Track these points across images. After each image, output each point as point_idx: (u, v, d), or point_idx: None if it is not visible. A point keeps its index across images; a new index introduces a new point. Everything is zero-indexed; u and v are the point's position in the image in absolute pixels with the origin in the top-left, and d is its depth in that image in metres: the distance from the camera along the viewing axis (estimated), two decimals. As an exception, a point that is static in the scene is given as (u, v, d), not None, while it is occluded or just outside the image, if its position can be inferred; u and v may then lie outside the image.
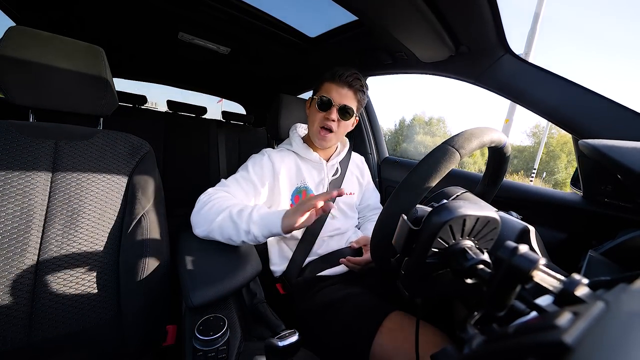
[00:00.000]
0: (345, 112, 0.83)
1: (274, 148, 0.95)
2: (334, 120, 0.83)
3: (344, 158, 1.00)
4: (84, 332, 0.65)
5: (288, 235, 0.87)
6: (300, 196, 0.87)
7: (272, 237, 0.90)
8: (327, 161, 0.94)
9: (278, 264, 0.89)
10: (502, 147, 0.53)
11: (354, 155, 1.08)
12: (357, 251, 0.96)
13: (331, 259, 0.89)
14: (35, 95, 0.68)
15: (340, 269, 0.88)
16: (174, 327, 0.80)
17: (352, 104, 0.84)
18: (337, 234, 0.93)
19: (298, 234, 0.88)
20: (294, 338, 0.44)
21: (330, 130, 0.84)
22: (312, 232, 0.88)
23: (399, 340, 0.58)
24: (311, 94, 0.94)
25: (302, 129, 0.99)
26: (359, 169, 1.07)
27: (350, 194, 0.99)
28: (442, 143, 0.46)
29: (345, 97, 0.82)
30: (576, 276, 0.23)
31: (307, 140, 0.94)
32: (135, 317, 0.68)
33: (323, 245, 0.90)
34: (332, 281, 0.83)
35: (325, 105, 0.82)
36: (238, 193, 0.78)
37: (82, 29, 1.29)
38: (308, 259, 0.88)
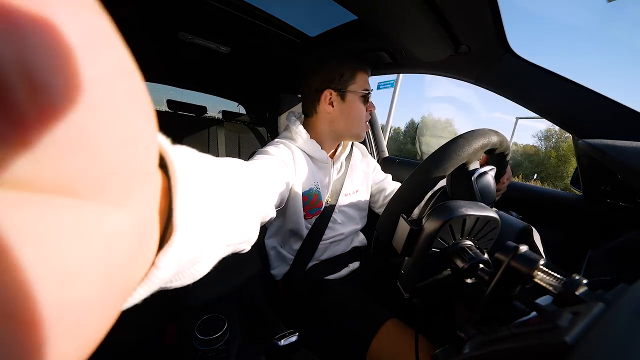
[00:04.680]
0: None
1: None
2: (372, 111, 0.83)
3: (348, 154, 0.92)
4: None
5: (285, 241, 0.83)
6: (311, 198, 0.79)
7: (271, 244, 0.87)
8: (333, 159, 0.87)
9: (278, 269, 0.86)
10: (503, 148, 0.54)
11: (356, 145, 0.99)
12: (359, 255, 0.95)
13: (334, 263, 0.87)
14: None
15: (341, 272, 0.87)
16: (173, 326, 0.80)
17: None
18: (340, 239, 0.89)
19: (298, 241, 0.83)
20: (293, 338, 0.44)
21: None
22: (313, 240, 0.83)
23: (392, 350, 0.59)
24: (329, 83, 0.78)
25: (301, 121, 0.86)
26: (363, 161, 0.98)
27: (354, 192, 0.92)
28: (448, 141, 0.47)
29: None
30: (576, 276, 0.23)
31: (312, 136, 0.83)
32: (133, 316, 0.68)
33: (326, 252, 0.87)
34: (332, 283, 0.83)
35: (369, 97, 0.80)
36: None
37: None
38: (310, 264, 0.85)
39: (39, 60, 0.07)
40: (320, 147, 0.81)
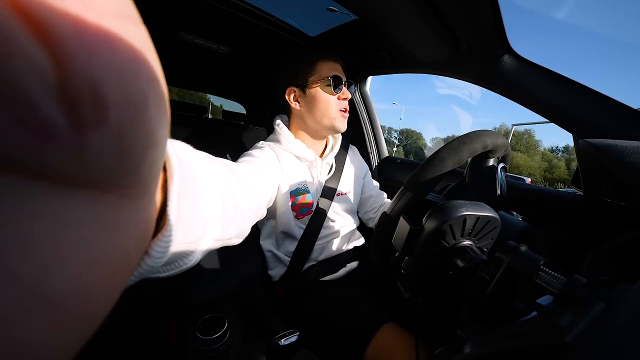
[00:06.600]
0: (349, 87, 0.80)
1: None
2: (347, 99, 0.78)
3: (339, 153, 0.89)
4: None
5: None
6: (299, 198, 0.79)
7: (266, 246, 0.86)
8: (322, 158, 0.85)
9: (275, 270, 0.85)
10: (506, 162, 0.57)
11: (350, 147, 0.98)
12: (358, 254, 0.95)
13: (331, 264, 0.86)
14: None
15: (339, 273, 0.86)
16: (174, 325, 0.81)
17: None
18: (336, 237, 0.88)
19: (293, 243, 0.83)
20: (294, 338, 0.44)
21: (346, 110, 0.79)
22: (308, 241, 0.82)
23: (388, 354, 0.59)
24: (291, 81, 0.79)
25: (286, 122, 0.87)
26: (355, 163, 0.97)
27: (346, 193, 0.90)
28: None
29: (342, 72, 0.79)
30: (577, 276, 0.23)
31: (296, 136, 0.84)
32: (135, 315, 0.68)
33: (324, 252, 0.86)
34: (330, 284, 0.82)
35: (339, 84, 0.76)
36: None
37: None
38: (307, 265, 0.84)
39: (104, 76, 0.08)
40: (305, 147, 0.81)
